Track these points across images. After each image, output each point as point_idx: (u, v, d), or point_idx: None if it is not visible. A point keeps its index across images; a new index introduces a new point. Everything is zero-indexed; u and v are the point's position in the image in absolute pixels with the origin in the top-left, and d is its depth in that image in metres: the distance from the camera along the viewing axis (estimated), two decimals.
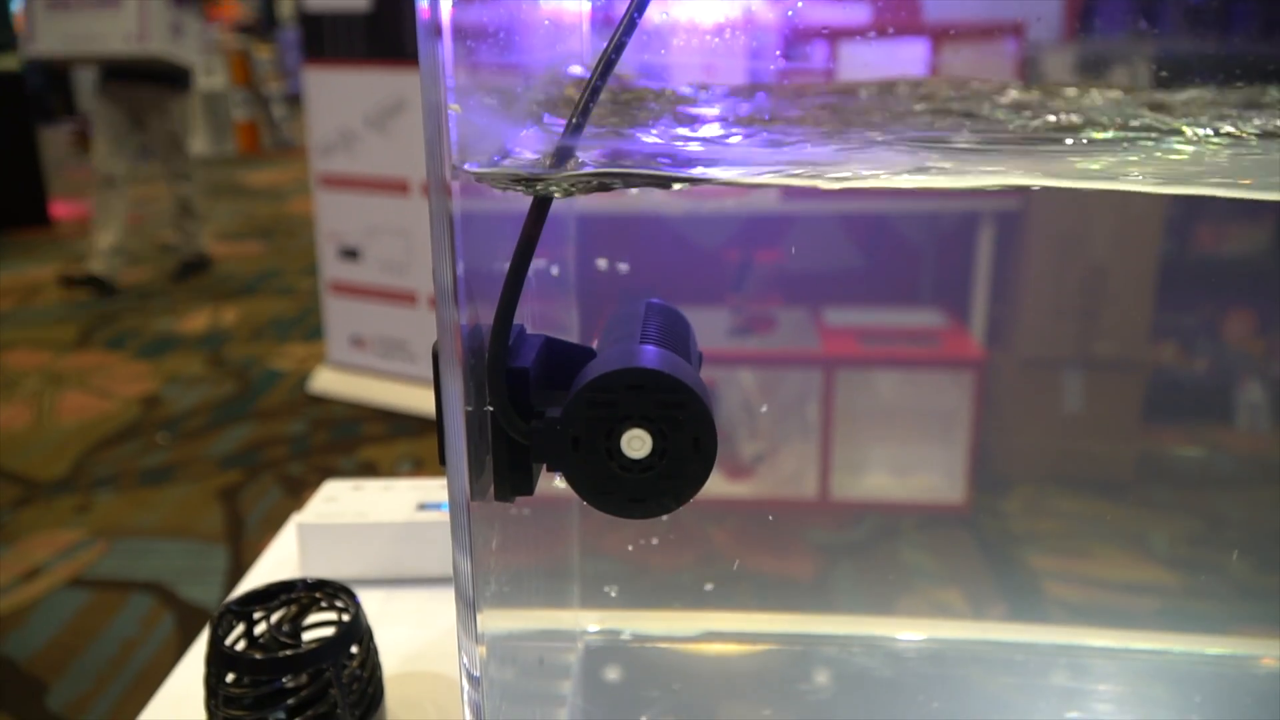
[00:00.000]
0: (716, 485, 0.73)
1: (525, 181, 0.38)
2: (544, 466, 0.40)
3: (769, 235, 0.67)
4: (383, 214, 2.63)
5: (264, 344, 3.27)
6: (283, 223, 5.15)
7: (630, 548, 0.64)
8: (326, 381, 2.82)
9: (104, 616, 1.78)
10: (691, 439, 0.37)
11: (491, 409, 0.38)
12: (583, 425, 0.37)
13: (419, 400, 2.66)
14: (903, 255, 0.67)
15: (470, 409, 0.37)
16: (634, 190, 0.41)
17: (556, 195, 0.38)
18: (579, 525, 0.64)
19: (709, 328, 0.75)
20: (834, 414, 0.72)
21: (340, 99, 2.60)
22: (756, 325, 0.70)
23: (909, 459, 0.72)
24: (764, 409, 0.72)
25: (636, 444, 0.37)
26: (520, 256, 0.38)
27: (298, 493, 2.23)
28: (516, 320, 0.39)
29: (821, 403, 0.72)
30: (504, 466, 0.39)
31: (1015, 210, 0.65)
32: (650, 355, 0.38)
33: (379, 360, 2.76)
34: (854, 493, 0.72)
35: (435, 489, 0.78)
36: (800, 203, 0.66)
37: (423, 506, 0.75)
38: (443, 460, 0.37)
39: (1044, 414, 0.68)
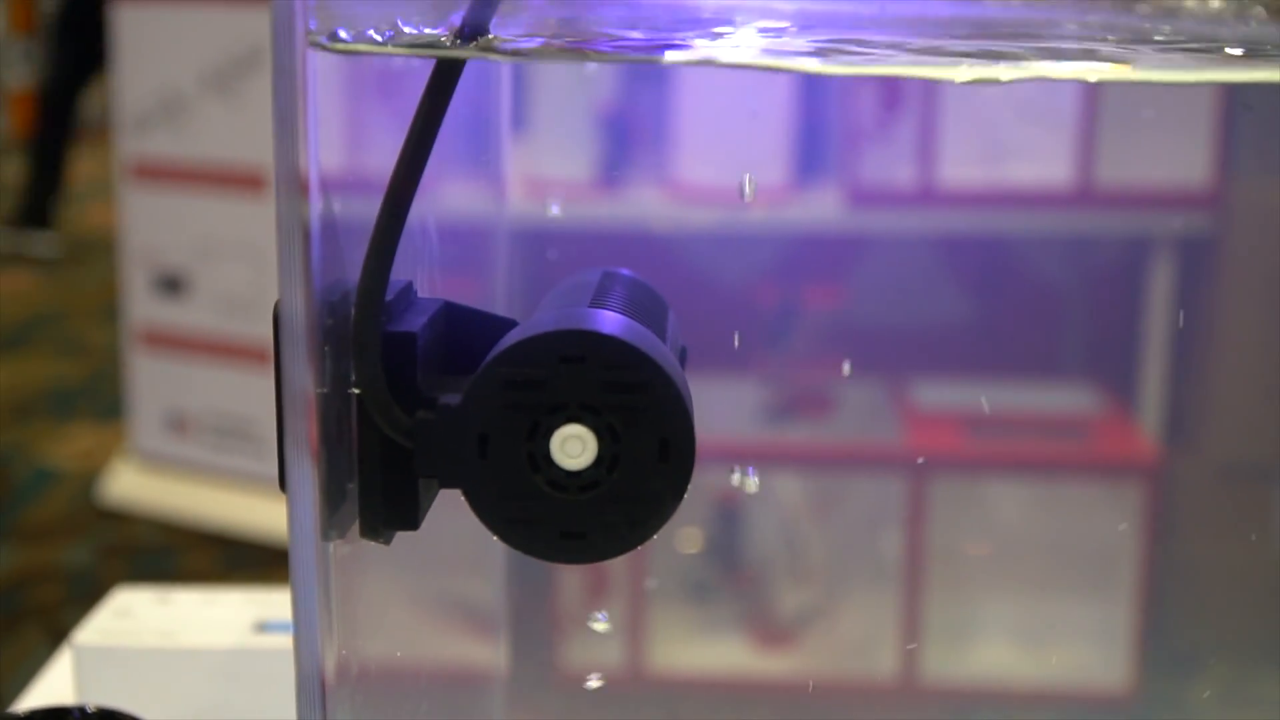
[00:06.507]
0: (740, 658, 0.72)
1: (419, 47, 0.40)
2: (437, 483, 0.41)
3: (826, 263, 0.68)
4: (223, 223, 2.65)
5: (33, 426, 3.29)
6: (71, 240, 5.22)
7: None
8: (128, 486, 2.83)
9: None
10: (657, 440, 0.39)
11: (358, 392, 0.40)
12: (493, 417, 0.39)
13: (267, 516, 2.66)
14: (1035, 300, 0.68)
15: (324, 390, 0.38)
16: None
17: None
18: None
19: (731, 407, 0.75)
20: (925, 547, 0.72)
21: (164, 49, 2.63)
22: (805, 405, 0.71)
23: (1043, 619, 0.72)
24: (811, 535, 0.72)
25: (574, 447, 0.39)
26: (412, 152, 0.40)
27: None
28: (407, 284, 0.41)
29: (906, 528, 0.72)
30: (375, 483, 0.40)
31: (1206, 234, 0.66)
32: (600, 318, 0.40)
33: (209, 452, 2.76)
34: (957, 672, 0.72)
35: (282, 603, 0.79)
36: (874, 214, 0.67)
37: (263, 628, 0.77)
38: (283, 484, 0.38)
39: (1253, 549, 0.69)
